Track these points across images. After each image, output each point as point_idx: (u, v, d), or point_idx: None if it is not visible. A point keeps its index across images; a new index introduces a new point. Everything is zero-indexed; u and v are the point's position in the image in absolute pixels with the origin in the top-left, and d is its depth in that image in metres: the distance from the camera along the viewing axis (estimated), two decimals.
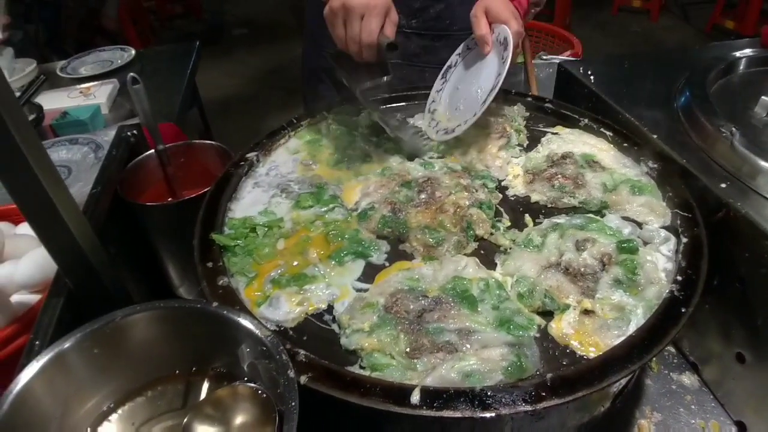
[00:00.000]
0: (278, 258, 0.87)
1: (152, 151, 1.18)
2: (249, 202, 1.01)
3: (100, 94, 1.74)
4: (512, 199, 1.01)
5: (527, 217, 0.95)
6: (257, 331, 0.66)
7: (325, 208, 0.98)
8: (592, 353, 0.71)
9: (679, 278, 0.78)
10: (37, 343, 0.74)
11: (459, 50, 1.22)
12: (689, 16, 5.33)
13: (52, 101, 1.69)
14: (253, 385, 0.65)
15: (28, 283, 0.92)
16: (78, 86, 1.80)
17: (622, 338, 0.71)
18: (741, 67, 1.22)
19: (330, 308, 0.80)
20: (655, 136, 1.03)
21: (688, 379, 0.96)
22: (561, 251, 0.84)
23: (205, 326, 0.69)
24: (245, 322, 0.67)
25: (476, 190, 0.98)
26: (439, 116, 1.19)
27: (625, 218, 0.93)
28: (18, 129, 0.65)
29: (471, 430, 0.70)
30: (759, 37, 1.31)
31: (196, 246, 0.86)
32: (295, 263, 0.86)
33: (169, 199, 1.19)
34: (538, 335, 0.74)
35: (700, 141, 1.00)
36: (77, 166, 1.21)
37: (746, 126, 1.00)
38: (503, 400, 0.62)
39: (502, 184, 1.05)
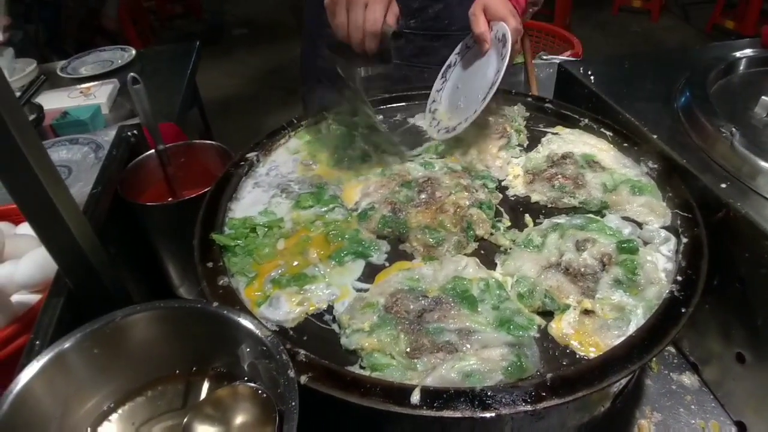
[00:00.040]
0: (278, 258, 0.87)
1: (152, 151, 1.19)
2: (249, 202, 1.01)
3: (101, 94, 1.74)
4: (512, 199, 1.01)
5: (527, 217, 0.96)
6: (257, 331, 0.66)
7: (326, 208, 0.98)
8: (592, 353, 0.71)
9: (679, 278, 0.78)
10: (37, 343, 0.75)
11: (458, 49, 1.22)
12: (689, 16, 5.33)
13: (52, 101, 1.69)
14: (253, 385, 0.65)
15: (29, 283, 0.92)
16: (78, 86, 1.80)
17: (622, 338, 0.71)
18: (741, 68, 1.22)
19: (330, 308, 0.80)
20: (655, 137, 1.03)
21: (688, 379, 0.96)
22: (561, 251, 0.85)
23: (206, 326, 0.69)
24: (245, 322, 0.67)
25: (476, 190, 0.98)
26: (441, 115, 1.19)
27: (626, 218, 0.93)
28: (18, 129, 0.65)
29: (471, 430, 0.70)
30: (759, 37, 1.31)
31: (196, 246, 0.86)
32: (296, 263, 0.86)
33: (170, 199, 1.19)
34: (538, 335, 0.74)
35: (700, 141, 1.00)
36: (77, 166, 1.21)
37: (746, 126, 1.00)
38: (503, 400, 0.62)
39: (503, 184, 1.05)
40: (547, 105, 1.22)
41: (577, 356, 0.71)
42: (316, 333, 0.77)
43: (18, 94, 1.77)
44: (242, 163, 1.07)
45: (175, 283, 1.20)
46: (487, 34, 1.09)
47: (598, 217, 0.93)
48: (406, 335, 0.73)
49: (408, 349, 0.71)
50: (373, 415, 0.67)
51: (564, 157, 1.05)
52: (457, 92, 1.19)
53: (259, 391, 0.63)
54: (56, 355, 0.63)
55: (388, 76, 1.25)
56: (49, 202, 0.71)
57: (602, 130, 1.12)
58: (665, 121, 1.07)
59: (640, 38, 5.09)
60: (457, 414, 0.61)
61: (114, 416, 0.67)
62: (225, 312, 0.68)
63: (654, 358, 0.91)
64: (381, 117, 1.26)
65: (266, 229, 0.92)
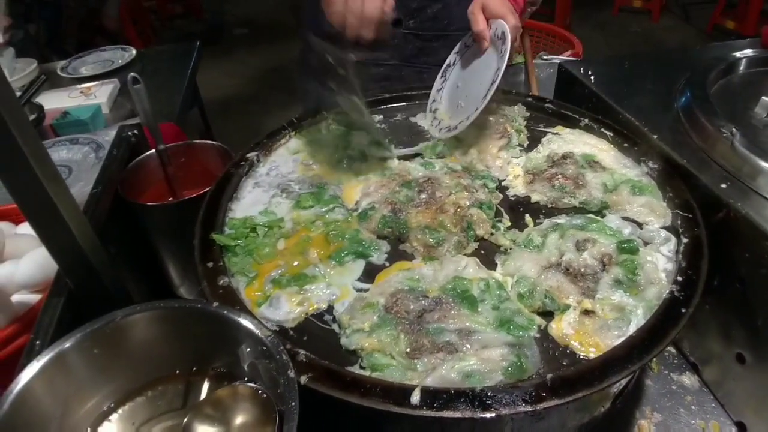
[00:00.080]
0: (278, 258, 0.87)
1: (153, 151, 1.19)
2: (249, 202, 1.01)
3: (101, 94, 1.74)
4: (512, 199, 1.01)
5: (527, 218, 0.95)
6: (257, 331, 0.66)
7: (326, 208, 0.98)
8: (593, 354, 0.71)
9: (680, 279, 0.78)
10: (37, 342, 0.75)
11: (457, 48, 1.22)
12: (690, 17, 5.33)
13: (52, 101, 1.69)
14: (253, 385, 0.65)
15: (29, 282, 0.92)
16: (79, 86, 1.80)
17: (623, 339, 0.71)
18: (741, 68, 1.22)
19: (330, 308, 0.80)
20: (655, 137, 1.03)
21: (688, 379, 0.96)
22: (561, 251, 0.84)
23: (206, 326, 0.69)
24: (245, 322, 0.67)
25: (476, 190, 0.98)
26: (441, 115, 1.19)
27: (626, 218, 0.93)
28: (19, 129, 0.65)
29: (471, 430, 0.70)
30: (759, 37, 1.31)
31: (196, 246, 0.86)
32: (296, 263, 0.86)
33: (170, 199, 1.19)
34: (538, 335, 0.74)
35: (700, 141, 0.99)
36: (78, 165, 1.21)
37: (747, 126, 1.00)
38: (503, 400, 0.62)
39: (503, 184, 1.05)
40: (547, 105, 1.22)
41: (577, 356, 0.71)
42: (316, 333, 0.77)
43: (18, 93, 1.77)
44: (242, 163, 1.07)
45: (175, 283, 1.20)
46: (486, 32, 1.09)
47: (599, 218, 0.93)
48: (406, 335, 0.73)
49: (408, 350, 0.71)
50: (373, 416, 0.67)
51: (564, 157, 1.05)
52: (458, 91, 1.19)
53: (259, 392, 0.63)
54: (56, 355, 0.63)
55: (380, 65, 1.23)
56: (49, 202, 0.71)
57: (602, 130, 1.12)
58: (665, 121, 1.07)
59: (641, 38, 5.09)
60: (457, 414, 0.61)
61: (114, 416, 0.67)
62: (225, 312, 0.68)
63: (654, 359, 0.91)
64: (381, 117, 1.26)
65: (266, 229, 0.92)
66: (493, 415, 0.61)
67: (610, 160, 1.06)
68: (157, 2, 5.64)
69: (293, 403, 0.57)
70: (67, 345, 0.64)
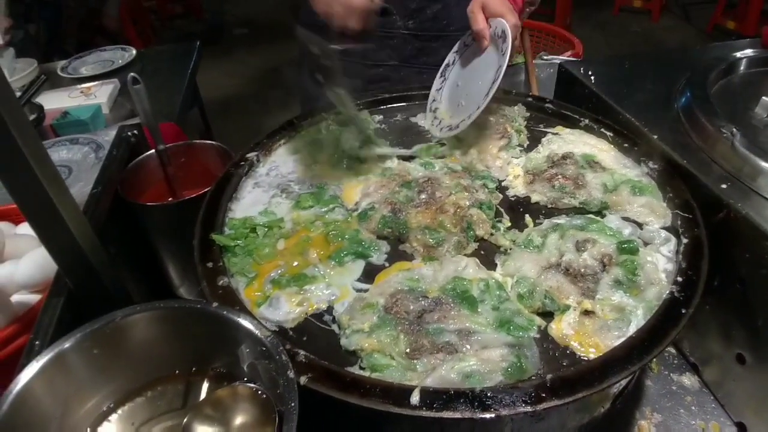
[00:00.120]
0: (278, 258, 0.87)
1: (153, 151, 1.19)
2: (249, 202, 1.01)
3: (101, 94, 1.74)
4: (512, 199, 1.01)
5: (527, 218, 0.95)
6: (257, 332, 0.66)
7: (326, 209, 0.98)
8: (592, 354, 0.71)
9: (680, 279, 0.78)
10: (37, 343, 0.75)
11: (456, 48, 1.22)
12: (690, 17, 5.32)
13: (52, 101, 1.69)
14: (252, 385, 0.65)
15: (29, 283, 0.92)
16: (79, 86, 1.80)
17: (622, 339, 0.71)
18: (742, 68, 1.22)
19: (330, 308, 0.80)
20: (655, 137, 1.03)
21: (688, 380, 0.96)
22: (561, 252, 0.84)
23: (205, 326, 0.69)
24: (245, 323, 0.67)
25: (476, 191, 0.98)
26: (442, 114, 1.19)
27: (626, 219, 0.93)
28: (18, 129, 0.65)
29: (471, 430, 0.70)
30: (760, 37, 1.31)
31: (196, 246, 0.86)
32: (295, 263, 0.86)
33: (170, 199, 1.19)
34: (538, 336, 0.74)
35: (700, 141, 0.99)
36: (78, 166, 1.21)
37: (747, 126, 1.00)
38: (503, 401, 0.62)
39: (503, 184, 1.05)
40: (547, 105, 1.22)
41: (577, 357, 0.71)
42: (316, 333, 0.77)
43: (18, 94, 1.77)
44: (242, 163, 1.07)
45: (175, 283, 1.20)
46: (486, 31, 1.09)
47: (599, 218, 0.93)
48: (405, 336, 0.73)
49: (408, 350, 0.71)
50: (372, 416, 0.67)
51: (564, 157, 1.05)
52: (458, 90, 1.18)
53: (259, 392, 0.63)
54: (56, 355, 0.63)
55: (380, 65, 1.21)
56: (49, 202, 0.71)
57: (602, 130, 1.12)
58: (666, 122, 1.07)
59: (641, 38, 5.09)
60: (457, 415, 0.61)
61: (114, 416, 0.67)
62: (225, 312, 0.68)
63: (654, 359, 0.91)
64: (381, 117, 1.26)
65: (266, 229, 0.92)
66: (493, 415, 0.61)
67: (610, 161, 1.05)
68: (157, 2, 5.64)
69: (293, 404, 0.57)
70: (66, 345, 0.64)
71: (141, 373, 0.70)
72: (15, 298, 0.92)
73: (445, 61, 1.23)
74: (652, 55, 1.45)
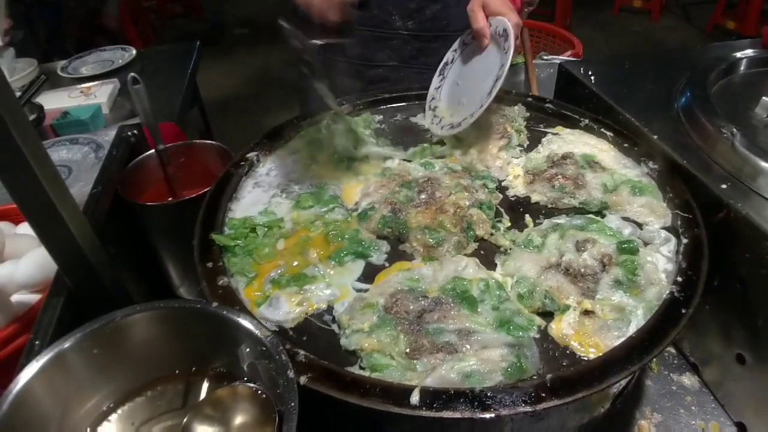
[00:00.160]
0: (278, 258, 0.87)
1: (152, 150, 1.19)
2: (249, 202, 1.00)
3: (101, 94, 1.74)
4: (512, 199, 1.01)
5: (527, 218, 0.95)
6: (257, 332, 0.66)
7: (325, 208, 0.98)
8: (592, 354, 0.71)
9: (680, 279, 0.78)
10: (37, 342, 0.75)
11: (455, 46, 1.22)
12: (690, 17, 5.32)
13: (52, 101, 1.69)
14: (252, 385, 0.65)
15: (29, 282, 0.92)
16: (79, 86, 1.80)
17: (622, 339, 0.71)
18: (742, 68, 1.22)
19: (330, 308, 0.80)
20: (655, 137, 1.03)
21: (688, 380, 0.96)
22: (561, 252, 0.84)
23: (205, 326, 0.69)
24: (245, 323, 0.67)
25: (476, 191, 0.98)
26: (442, 113, 1.19)
27: (626, 219, 0.93)
28: (18, 129, 0.65)
29: (471, 430, 0.70)
30: (760, 37, 1.31)
31: (196, 246, 0.86)
32: (295, 263, 0.86)
33: (170, 199, 1.19)
34: (538, 336, 0.74)
35: (700, 141, 0.99)
36: (78, 165, 1.21)
37: (747, 127, 1.00)
38: (503, 400, 0.62)
39: (503, 184, 1.05)
40: (547, 105, 1.22)
41: (577, 357, 0.71)
42: (316, 333, 0.77)
43: (18, 93, 1.77)
44: (242, 163, 1.07)
45: (175, 283, 1.20)
46: (487, 29, 1.09)
47: (599, 218, 0.93)
48: (405, 336, 0.73)
49: (408, 350, 0.71)
50: (372, 416, 0.67)
51: (564, 157, 1.05)
52: (458, 89, 1.18)
53: (259, 392, 0.63)
54: (56, 355, 0.63)
55: (346, 49, 1.20)
56: (49, 202, 0.71)
57: (602, 130, 1.12)
58: (666, 122, 1.07)
59: (641, 38, 5.09)
60: (457, 415, 0.61)
61: (114, 416, 0.67)
62: (225, 312, 0.68)
63: (654, 359, 0.91)
64: (381, 117, 1.26)
65: (266, 229, 0.92)
66: (493, 415, 0.61)
67: (610, 161, 1.05)
68: (157, 2, 5.65)
69: (293, 404, 0.57)
70: (66, 345, 0.64)
71: (141, 372, 0.70)
72: (15, 297, 0.92)
73: (444, 60, 1.23)
74: (652, 55, 1.45)
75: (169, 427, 0.66)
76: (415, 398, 0.62)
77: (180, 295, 1.21)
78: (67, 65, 2.06)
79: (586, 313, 0.76)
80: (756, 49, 1.27)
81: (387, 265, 0.87)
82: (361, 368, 0.71)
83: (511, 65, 1.04)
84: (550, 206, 0.98)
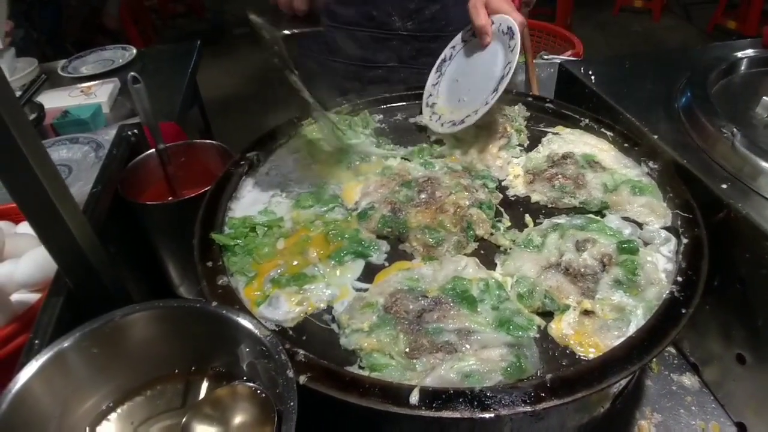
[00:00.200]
0: (278, 257, 0.87)
1: (153, 150, 1.19)
2: (249, 201, 1.00)
3: (101, 94, 1.74)
4: (512, 199, 1.01)
5: (527, 218, 0.95)
6: (256, 331, 0.66)
7: (325, 208, 0.98)
8: (592, 354, 0.71)
9: (680, 279, 0.77)
10: (36, 342, 0.74)
11: (453, 43, 1.21)
12: (691, 17, 5.32)
13: (53, 100, 1.69)
14: (252, 384, 0.65)
15: (28, 282, 0.92)
16: (79, 85, 1.80)
17: (622, 339, 0.71)
18: (742, 68, 1.22)
19: (329, 308, 0.80)
20: (655, 137, 1.03)
21: (688, 380, 0.96)
22: (561, 252, 0.84)
23: (205, 326, 0.69)
24: (244, 322, 0.67)
25: (476, 190, 0.98)
26: (440, 110, 1.18)
27: (626, 219, 0.92)
28: (18, 129, 0.65)
29: (470, 430, 0.70)
30: (760, 37, 1.31)
31: (195, 245, 0.86)
32: (295, 263, 0.86)
33: (170, 199, 1.19)
34: (537, 336, 0.74)
35: (701, 141, 0.99)
36: (78, 165, 1.21)
37: (747, 126, 1.00)
38: (502, 400, 0.62)
39: (503, 184, 1.04)
40: (547, 105, 1.22)
41: (577, 357, 0.71)
42: (316, 333, 0.77)
43: (19, 93, 1.77)
44: (242, 162, 1.07)
45: (174, 283, 1.20)
46: (489, 27, 1.09)
47: (599, 218, 0.93)
48: (405, 335, 0.73)
49: (407, 349, 0.71)
50: (371, 416, 0.67)
51: (564, 157, 1.05)
52: (457, 86, 1.18)
53: (258, 391, 0.63)
54: (55, 355, 0.63)
55: (316, 39, 1.18)
56: (48, 201, 0.71)
57: (603, 130, 1.11)
58: (666, 122, 1.07)
59: (641, 38, 5.08)
60: (456, 414, 0.61)
61: (113, 416, 0.67)
62: (224, 312, 0.68)
63: (654, 359, 0.91)
64: (381, 117, 1.25)
65: (266, 229, 0.92)
66: (492, 415, 0.60)
67: (610, 160, 1.05)
68: (158, 1, 5.65)
69: (292, 403, 0.57)
70: (66, 344, 0.64)
71: (140, 372, 0.70)
72: (15, 297, 0.92)
73: (441, 56, 1.22)
74: (653, 55, 1.45)
75: (168, 427, 0.66)
76: (414, 398, 0.62)
77: (180, 295, 1.21)
78: (68, 64, 2.06)
79: (586, 313, 0.76)
80: (756, 49, 1.27)
81: (387, 264, 0.87)
82: (361, 368, 0.71)
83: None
84: (550, 206, 0.98)
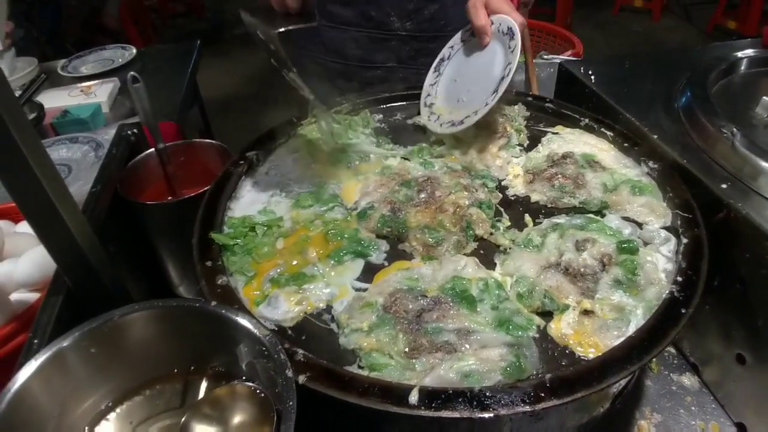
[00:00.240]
0: (277, 257, 0.87)
1: (152, 149, 1.19)
2: (248, 201, 1.00)
3: (101, 93, 1.74)
4: (512, 198, 1.01)
5: (527, 217, 0.95)
6: (256, 331, 0.66)
7: (325, 208, 0.98)
8: (592, 354, 0.71)
9: (679, 279, 0.77)
10: (35, 341, 0.74)
11: (452, 43, 1.21)
12: (691, 17, 5.32)
13: (52, 100, 1.69)
14: (251, 384, 0.65)
15: (28, 281, 0.92)
16: (79, 85, 1.80)
17: (622, 339, 0.71)
18: (742, 68, 1.22)
19: (329, 308, 0.80)
20: (655, 137, 1.03)
21: (688, 380, 0.96)
22: (561, 251, 0.84)
23: (204, 325, 0.69)
24: (244, 322, 0.67)
25: (476, 190, 0.98)
26: (439, 109, 1.18)
27: (626, 218, 0.92)
28: (18, 128, 0.65)
29: (470, 430, 0.70)
30: (760, 37, 1.31)
31: (195, 245, 0.86)
32: (295, 262, 0.86)
33: (169, 198, 1.19)
34: (537, 336, 0.74)
35: (701, 141, 0.99)
36: (77, 164, 1.21)
37: (747, 126, 1.00)
38: (502, 400, 0.62)
39: (502, 183, 1.04)
40: (547, 104, 1.22)
41: (577, 357, 0.71)
42: (315, 332, 0.76)
43: (18, 92, 1.77)
44: (242, 162, 1.07)
45: (174, 282, 1.20)
46: (488, 27, 1.08)
47: (598, 217, 0.93)
48: (404, 335, 0.73)
49: (406, 349, 0.71)
50: (371, 415, 0.67)
51: (564, 156, 1.05)
52: (456, 86, 1.17)
53: (257, 391, 0.63)
54: (54, 354, 0.63)
55: (314, 40, 1.17)
56: (48, 201, 0.71)
57: (603, 130, 1.11)
58: (666, 122, 1.07)
59: (641, 38, 5.08)
60: (456, 414, 0.61)
61: (112, 415, 0.67)
62: (223, 311, 0.68)
63: (654, 359, 0.91)
64: (381, 117, 1.25)
65: (265, 228, 0.92)
66: (492, 415, 0.60)
67: (610, 160, 1.05)
68: (158, 1, 5.65)
69: (291, 403, 0.57)
70: (65, 344, 0.64)
71: (139, 372, 0.70)
72: (14, 296, 0.92)
73: (439, 56, 1.22)
74: (653, 55, 1.45)
75: (167, 427, 0.66)
76: (413, 398, 0.62)
77: (179, 294, 1.21)
78: (68, 64, 2.06)
79: (586, 312, 0.76)
80: (756, 49, 1.27)
81: (386, 264, 0.87)
82: (360, 367, 0.71)
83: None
84: (549, 206, 0.98)
